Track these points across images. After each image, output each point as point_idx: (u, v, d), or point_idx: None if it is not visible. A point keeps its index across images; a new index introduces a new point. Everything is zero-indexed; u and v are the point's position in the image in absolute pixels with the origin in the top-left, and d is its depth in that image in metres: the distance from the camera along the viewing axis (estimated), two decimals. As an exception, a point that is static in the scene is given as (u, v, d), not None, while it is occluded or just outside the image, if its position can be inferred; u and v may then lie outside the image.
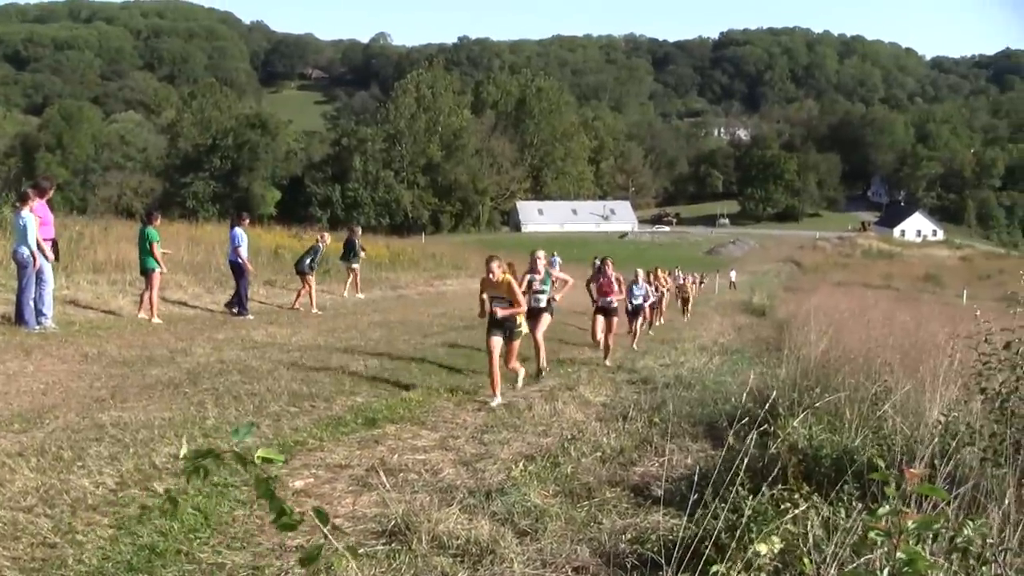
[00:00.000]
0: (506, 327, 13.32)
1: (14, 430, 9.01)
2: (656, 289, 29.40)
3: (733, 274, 79.08)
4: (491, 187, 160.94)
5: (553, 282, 16.85)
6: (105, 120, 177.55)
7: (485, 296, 13.50)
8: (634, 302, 23.00)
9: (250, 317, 21.64)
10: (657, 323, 31.67)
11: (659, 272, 33.23)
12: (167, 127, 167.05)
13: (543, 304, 16.37)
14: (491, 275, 13.07)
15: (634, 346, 22.42)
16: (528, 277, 16.17)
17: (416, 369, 14.96)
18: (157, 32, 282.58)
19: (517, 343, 13.62)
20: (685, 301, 39.51)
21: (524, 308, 13.75)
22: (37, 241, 16.12)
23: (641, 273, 23.99)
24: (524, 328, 13.90)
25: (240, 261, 21.99)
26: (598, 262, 21.56)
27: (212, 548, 6.39)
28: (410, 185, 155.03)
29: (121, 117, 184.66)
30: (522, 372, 14.39)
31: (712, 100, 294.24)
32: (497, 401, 12.58)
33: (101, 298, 20.75)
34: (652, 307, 26.81)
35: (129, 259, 23.77)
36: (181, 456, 2.95)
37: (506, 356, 13.52)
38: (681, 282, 42.71)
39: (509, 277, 13.33)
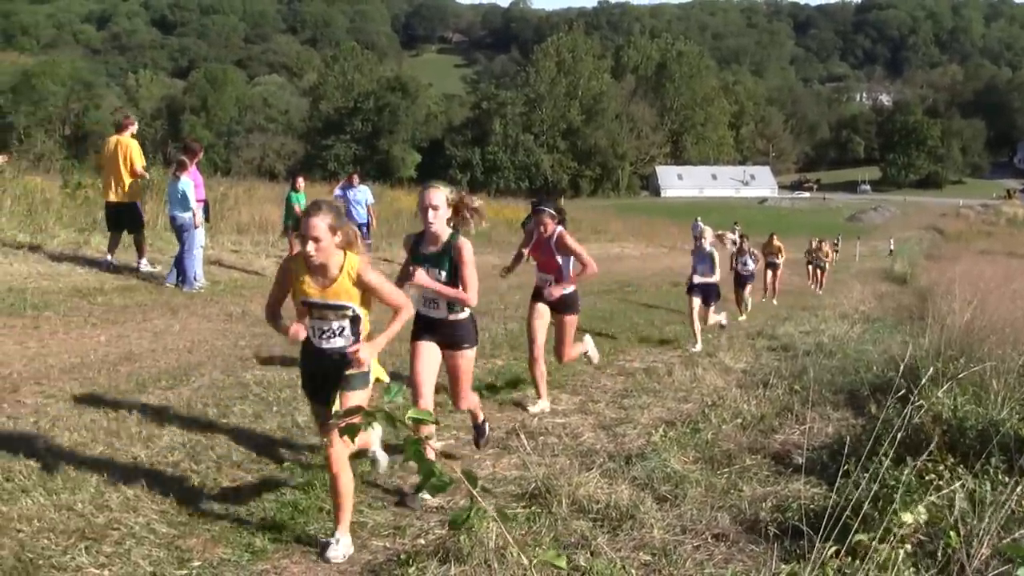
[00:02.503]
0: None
1: (161, 387, 9.24)
2: (755, 258, 22.95)
3: (892, 242, 76.47)
4: (631, 152, 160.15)
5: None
6: (248, 83, 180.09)
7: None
8: (696, 278, 15.52)
9: None
10: (760, 300, 26.30)
11: (774, 239, 29.28)
12: (309, 90, 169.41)
13: (453, 313, 7.25)
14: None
15: (722, 322, 16.80)
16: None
17: (554, 333, 14.58)
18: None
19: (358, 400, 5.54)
20: (821, 271, 35.41)
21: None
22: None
23: (708, 233, 15.76)
24: (374, 372, 5.76)
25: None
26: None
27: (354, 507, 6.50)
28: (550, 149, 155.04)
29: (264, 80, 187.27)
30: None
31: (854, 65, 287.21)
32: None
33: (244, 258, 21.17)
34: (748, 279, 22.24)
35: (272, 220, 24.23)
36: (332, 415, 3.00)
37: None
38: (816, 248, 35.80)
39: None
